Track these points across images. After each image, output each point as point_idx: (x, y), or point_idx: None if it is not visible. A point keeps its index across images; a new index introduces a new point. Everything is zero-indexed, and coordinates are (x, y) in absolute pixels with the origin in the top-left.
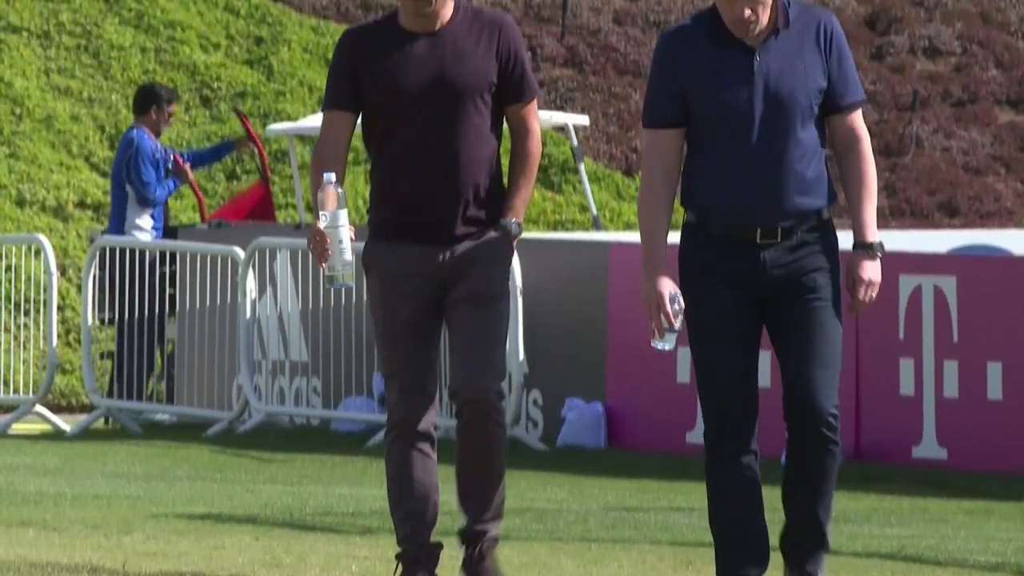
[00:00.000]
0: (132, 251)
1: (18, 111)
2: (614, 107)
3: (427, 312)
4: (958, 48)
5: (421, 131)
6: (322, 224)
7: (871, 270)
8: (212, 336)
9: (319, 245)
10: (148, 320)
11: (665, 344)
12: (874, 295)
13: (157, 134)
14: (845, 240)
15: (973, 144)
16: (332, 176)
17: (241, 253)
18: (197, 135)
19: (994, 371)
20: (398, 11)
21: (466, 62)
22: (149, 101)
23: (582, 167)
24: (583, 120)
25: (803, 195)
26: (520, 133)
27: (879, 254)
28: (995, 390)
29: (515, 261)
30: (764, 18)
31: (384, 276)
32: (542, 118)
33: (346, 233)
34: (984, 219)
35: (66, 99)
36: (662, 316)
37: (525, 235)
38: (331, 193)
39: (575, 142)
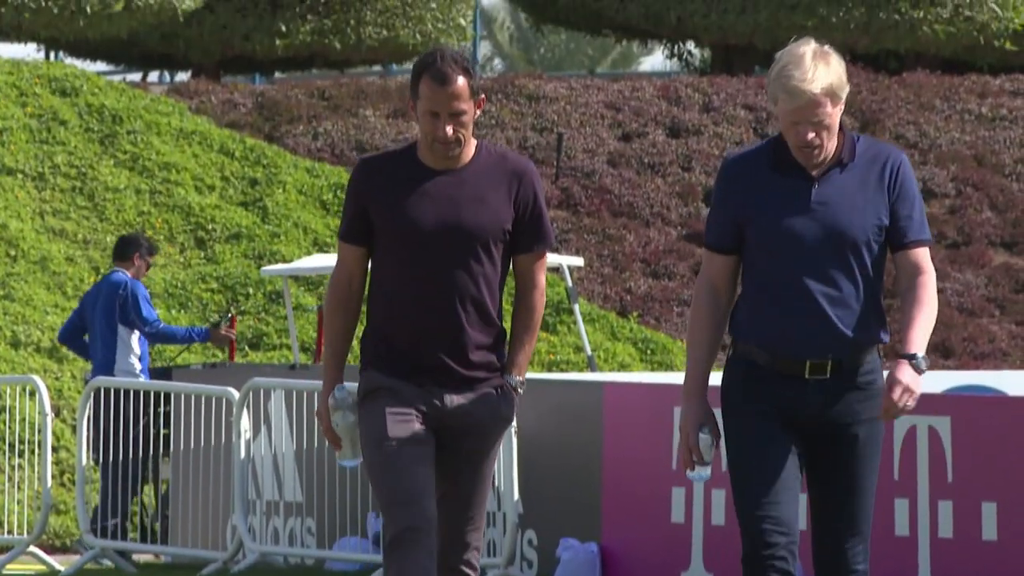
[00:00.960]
0: (127, 392)
1: (13, 252)
2: (608, 248)
3: (424, 438)
4: (952, 190)
5: (427, 272)
6: (334, 426)
7: (910, 376)
8: (207, 476)
9: (329, 434)
10: (141, 460)
11: (698, 474)
12: (910, 404)
13: None
14: None
15: (967, 286)
16: (345, 389)
17: (236, 394)
18: (192, 276)
19: (989, 511)
20: (418, 143)
21: (485, 206)
22: (132, 248)
23: (577, 308)
24: (578, 261)
25: (854, 330)
26: (527, 286)
27: (922, 368)
28: (990, 531)
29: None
30: (830, 145)
31: (381, 401)
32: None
33: (356, 431)
34: (979, 360)
35: (61, 241)
36: (691, 452)
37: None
38: (343, 403)
39: (570, 283)
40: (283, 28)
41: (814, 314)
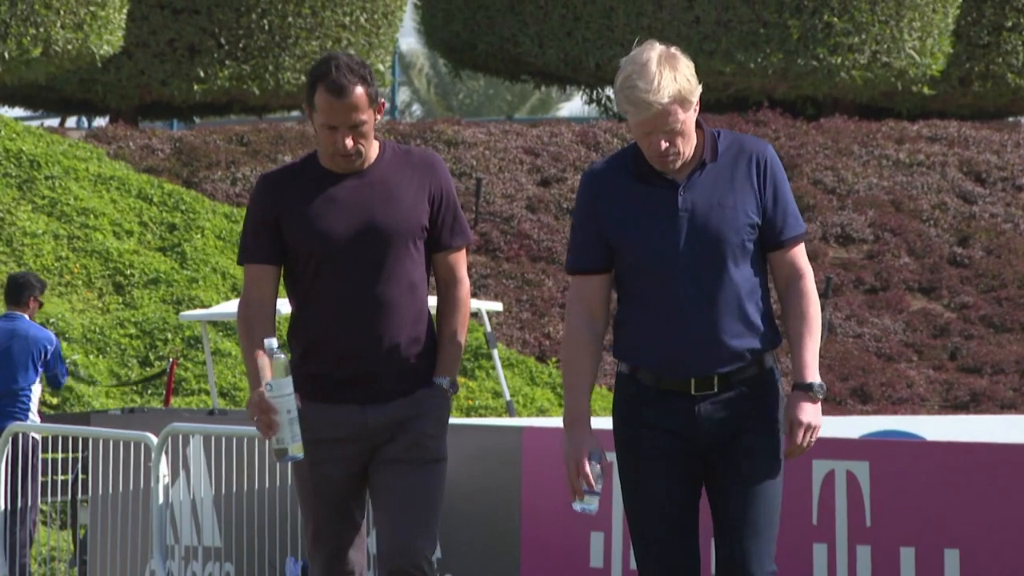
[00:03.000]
0: (45, 437)
1: None
2: (527, 293)
3: (357, 478)
4: (870, 235)
5: (348, 279)
6: (267, 394)
7: (811, 413)
8: (125, 521)
9: (265, 416)
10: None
11: (586, 506)
12: (813, 440)
13: None
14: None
15: (885, 331)
16: (274, 342)
17: (154, 439)
18: (110, 321)
19: (907, 556)
20: (317, 152)
21: (397, 204)
22: (27, 292)
23: (495, 353)
24: (496, 306)
25: (738, 339)
26: (449, 283)
27: (819, 396)
28: (908, 575)
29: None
30: (687, 149)
31: (313, 441)
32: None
33: (293, 403)
34: (896, 405)
35: None
36: (581, 479)
37: (487, 420)
38: (276, 361)
39: (488, 328)
40: (201, 73)
41: (694, 328)
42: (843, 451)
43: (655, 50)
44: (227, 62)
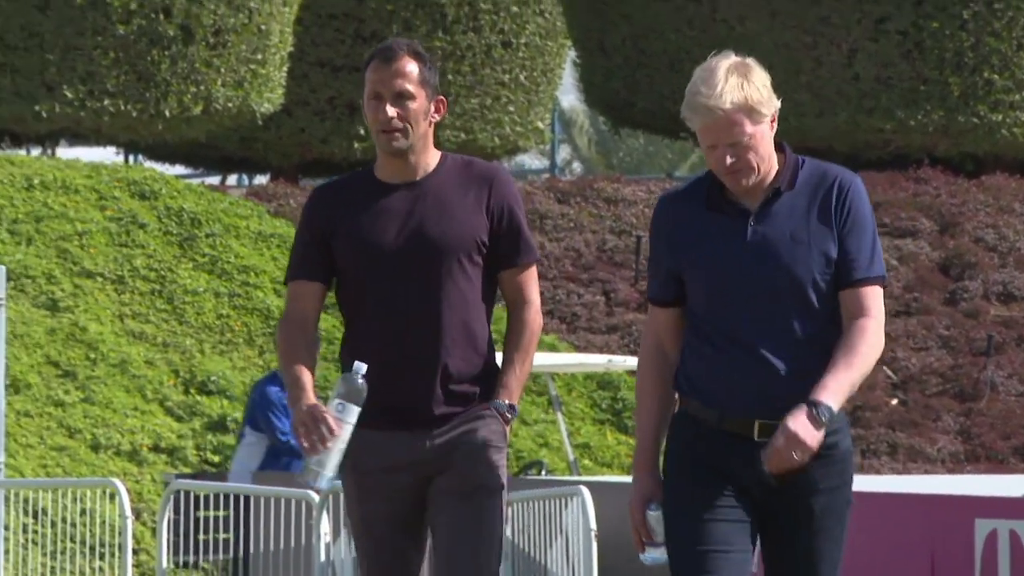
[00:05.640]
0: (207, 495)
1: (93, 356)
2: None
3: (410, 512)
4: None
5: (398, 296)
6: (335, 412)
7: (802, 425)
8: None
9: (321, 430)
10: (224, 563)
11: (651, 557)
12: (798, 456)
13: None
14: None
15: None
16: (363, 367)
17: (316, 497)
18: None
19: None
20: (375, 164)
21: (451, 217)
22: None
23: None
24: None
25: (808, 385)
26: (516, 303)
27: (823, 419)
28: None
29: (587, 502)
30: (764, 168)
31: (360, 472)
32: (615, 361)
33: (349, 435)
34: None
35: (140, 344)
36: (638, 532)
37: (597, 477)
38: (356, 386)
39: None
40: (361, 131)
41: (761, 368)
42: (1007, 510)
43: (727, 58)
44: None
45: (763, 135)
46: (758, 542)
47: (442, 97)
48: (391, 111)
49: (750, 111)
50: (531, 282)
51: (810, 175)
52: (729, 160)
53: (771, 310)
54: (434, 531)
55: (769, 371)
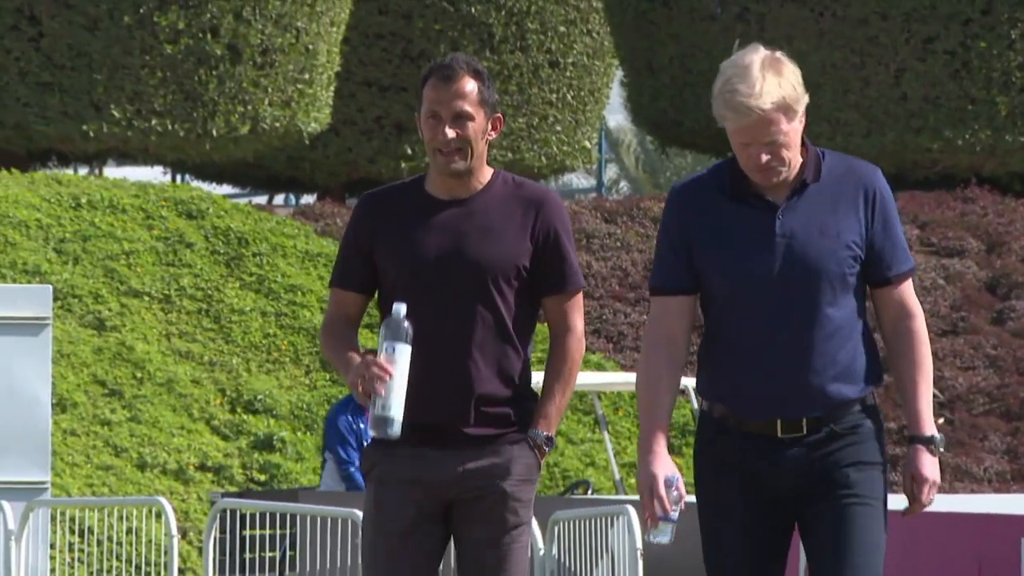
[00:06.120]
0: (253, 513)
1: (139, 375)
2: None
3: (429, 524)
4: None
5: (435, 312)
6: (385, 355)
7: (932, 468)
8: None
9: (378, 372)
10: None
11: (660, 536)
12: (933, 497)
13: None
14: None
15: None
16: (403, 308)
17: (361, 515)
18: (317, 398)
19: None
20: (426, 175)
21: (493, 239)
22: None
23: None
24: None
25: (834, 381)
26: (559, 330)
27: (940, 449)
28: None
29: (633, 521)
30: (794, 161)
31: (382, 479)
32: None
33: (406, 372)
34: None
35: (187, 363)
36: (655, 502)
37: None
38: (402, 327)
39: (696, 405)
40: (408, 151)
41: (784, 365)
42: None
43: (759, 53)
44: None
45: (795, 131)
46: (802, 538)
47: (499, 115)
48: (450, 133)
49: (787, 109)
50: (575, 310)
51: (834, 167)
52: (764, 158)
53: (796, 304)
54: (462, 563)
55: (791, 366)
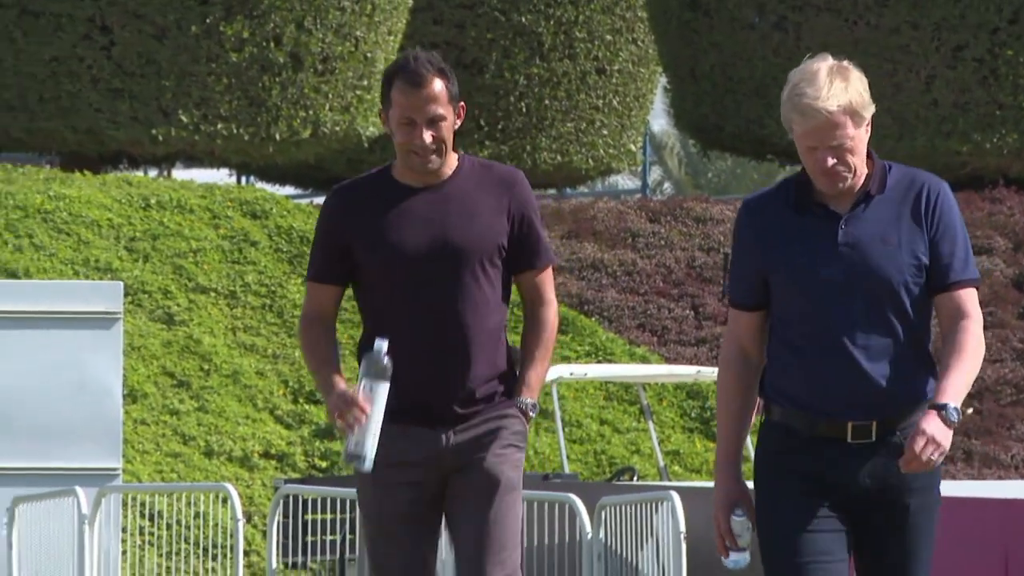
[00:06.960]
0: (315, 499)
1: (207, 366)
2: None
3: (426, 506)
4: None
5: (418, 297)
6: (363, 392)
7: (936, 426)
8: None
9: (354, 411)
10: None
11: (734, 561)
12: (935, 458)
13: None
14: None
15: None
16: (384, 344)
17: None
18: None
19: None
20: (392, 164)
21: (474, 221)
22: None
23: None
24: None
25: (898, 386)
26: (535, 303)
27: (953, 420)
28: None
29: (677, 506)
30: (859, 168)
31: (377, 465)
32: (704, 372)
33: (382, 411)
34: None
35: (252, 355)
36: (723, 538)
37: (686, 483)
38: (380, 365)
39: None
40: (463, 153)
41: (852, 371)
42: None
43: (826, 61)
44: (487, 142)
45: (861, 139)
46: (853, 552)
47: (463, 104)
48: (427, 137)
49: (853, 113)
50: (548, 283)
51: (899, 180)
52: (830, 162)
53: (862, 311)
54: (454, 530)
55: (860, 372)
